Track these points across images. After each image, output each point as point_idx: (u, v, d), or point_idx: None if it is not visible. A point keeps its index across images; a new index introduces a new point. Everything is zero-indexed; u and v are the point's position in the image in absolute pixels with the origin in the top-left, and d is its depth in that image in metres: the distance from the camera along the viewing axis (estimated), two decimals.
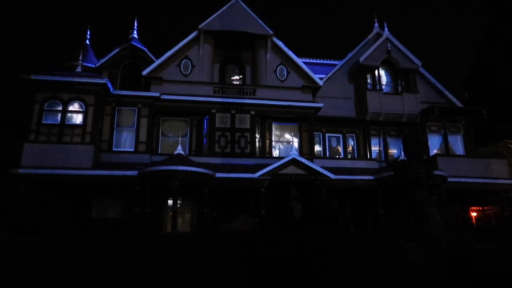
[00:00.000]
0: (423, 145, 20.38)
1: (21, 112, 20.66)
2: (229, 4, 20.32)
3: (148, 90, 19.12)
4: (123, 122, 18.38)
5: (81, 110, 17.01)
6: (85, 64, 19.81)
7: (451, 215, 18.93)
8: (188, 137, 19.36)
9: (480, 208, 22.54)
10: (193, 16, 77.15)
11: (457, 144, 20.95)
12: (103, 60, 20.12)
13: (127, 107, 18.51)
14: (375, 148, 21.16)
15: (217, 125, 18.86)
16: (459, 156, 20.12)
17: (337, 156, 20.99)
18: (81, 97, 17.06)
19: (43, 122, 16.56)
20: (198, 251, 9.44)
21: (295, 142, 19.63)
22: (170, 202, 16.60)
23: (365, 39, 23.08)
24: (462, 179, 18.41)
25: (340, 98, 21.51)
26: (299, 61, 20.71)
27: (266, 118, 19.95)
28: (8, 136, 20.40)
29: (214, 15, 19.92)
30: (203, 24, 19.76)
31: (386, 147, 21.23)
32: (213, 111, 18.98)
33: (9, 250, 9.10)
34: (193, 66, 19.83)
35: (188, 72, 19.71)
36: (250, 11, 20.31)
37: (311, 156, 19.06)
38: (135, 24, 21.96)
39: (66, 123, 16.74)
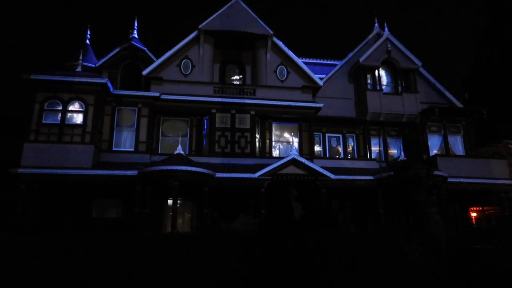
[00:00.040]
0: (423, 145, 20.39)
1: (21, 112, 20.67)
2: (229, 4, 20.32)
3: (148, 90, 19.13)
4: (123, 122, 18.38)
5: (81, 110, 17.01)
6: (85, 64, 19.82)
7: (451, 215, 18.92)
8: (188, 137, 19.36)
9: (480, 208, 22.53)
10: (193, 16, 77.17)
11: (457, 144, 20.95)
12: (103, 60, 20.13)
13: (127, 107, 18.52)
14: (375, 148, 21.17)
15: (217, 125, 18.86)
16: (459, 156, 20.12)
17: (337, 156, 20.99)
18: (81, 97, 17.06)
19: (43, 122, 16.56)
20: (198, 251, 9.44)
21: (295, 142, 19.64)
22: (170, 202, 16.60)
23: (365, 39, 23.09)
24: (462, 179, 18.42)
25: (340, 98, 21.51)
26: (299, 61, 20.72)
27: (266, 118, 19.95)
28: (8, 136, 20.40)
29: (214, 15, 19.93)
30: (203, 24, 19.76)
31: (386, 147, 21.23)
32: (213, 111, 18.99)
33: (9, 250, 9.10)
34: (193, 66, 19.83)
35: (188, 72, 19.71)
36: (250, 11, 20.31)
37: (311, 156, 19.06)
38: (135, 24, 21.97)
39: (66, 123, 16.74)
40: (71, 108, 17.01)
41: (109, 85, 17.64)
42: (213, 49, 20.49)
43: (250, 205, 17.34)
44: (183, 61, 19.83)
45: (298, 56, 21.42)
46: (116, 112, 18.40)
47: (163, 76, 19.28)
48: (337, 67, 22.10)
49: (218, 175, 16.37)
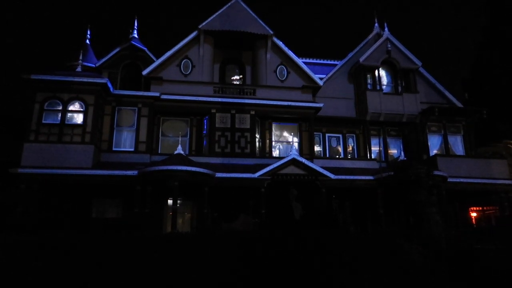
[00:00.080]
0: (423, 145, 20.39)
1: (21, 112, 20.65)
2: (229, 4, 20.32)
3: (148, 90, 19.13)
4: (123, 122, 18.38)
5: (81, 110, 17.01)
6: (85, 64, 19.81)
7: (451, 215, 18.91)
8: (188, 137, 19.36)
9: (480, 208, 22.53)
10: (193, 16, 77.18)
11: (457, 144, 20.95)
12: (103, 60, 20.13)
13: (127, 107, 18.52)
14: (375, 148, 21.17)
15: (217, 125, 18.86)
16: (459, 156, 20.12)
17: (337, 156, 20.99)
18: (81, 97, 17.06)
19: (43, 122, 16.56)
20: (198, 251, 9.44)
21: (295, 142, 19.64)
22: (170, 202, 16.60)
23: (365, 39, 23.09)
24: (462, 179, 18.43)
25: (340, 98, 21.52)
26: (299, 61, 20.72)
27: (266, 118, 19.95)
28: (8, 136, 20.38)
29: (214, 15, 19.93)
30: (203, 24, 19.76)
31: (386, 147, 21.24)
32: (213, 111, 18.99)
33: (9, 250, 9.10)
34: (193, 66, 19.83)
35: (188, 72, 19.71)
36: (250, 11, 20.31)
37: (311, 156, 19.07)
38: (135, 24, 21.97)
39: (66, 123, 16.74)
40: (71, 108, 17.01)
41: (109, 85, 17.64)
42: (213, 49, 20.49)
43: (250, 205, 17.33)
44: (183, 61, 19.83)
45: (298, 56, 21.42)
46: (116, 112, 18.40)
47: (163, 76, 19.28)
48: (337, 67, 22.10)
49: (218, 175, 16.37)
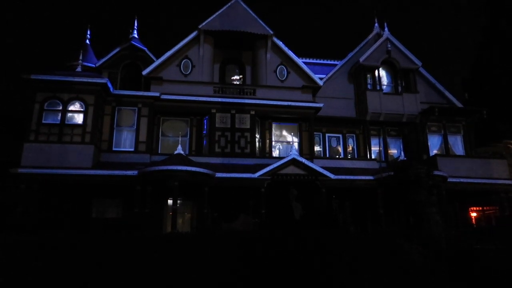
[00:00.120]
0: (423, 145, 20.39)
1: (21, 112, 20.63)
2: (229, 4, 20.32)
3: (148, 90, 19.13)
4: (123, 122, 18.38)
5: (81, 110, 17.01)
6: (85, 64, 19.81)
7: (451, 215, 18.91)
8: (188, 137, 19.36)
9: (480, 208, 22.53)
10: (193, 16, 77.14)
11: (457, 144, 20.95)
12: (103, 60, 20.13)
13: (127, 107, 18.52)
14: (375, 148, 21.17)
15: (217, 125, 18.86)
16: (459, 156, 20.13)
17: (337, 156, 20.99)
18: (81, 97, 17.06)
19: (43, 122, 16.56)
20: (198, 251, 9.44)
21: (295, 142, 19.64)
22: (170, 202, 16.60)
23: (365, 39, 23.10)
24: (462, 179, 18.43)
25: (340, 98, 21.52)
26: (299, 61, 20.72)
27: (266, 118, 19.95)
28: (8, 136, 20.37)
29: (214, 15, 19.93)
30: (203, 24, 19.76)
31: (386, 147, 21.24)
32: (213, 111, 18.98)
33: (9, 250, 9.10)
34: (193, 66, 19.83)
35: (188, 72, 19.71)
36: (250, 11, 20.31)
37: (311, 156, 19.07)
38: (135, 24, 21.97)
39: (66, 123, 16.74)
40: (71, 108, 17.02)
41: (109, 85, 17.64)
42: (213, 49, 20.49)
43: (250, 205, 17.34)
44: (183, 61, 19.84)
45: (298, 56, 21.42)
46: (116, 112, 18.40)
47: (163, 76, 19.28)
48: (337, 67, 22.11)
49: (218, 175, 16.37)
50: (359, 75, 21.53)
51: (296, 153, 17.44)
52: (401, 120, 20.97)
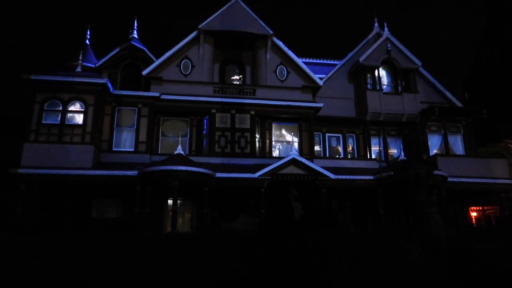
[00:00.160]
0: (423, 145, 20.38)
1: (21, 112, 20.64)
2: (229, 4, 20.32)
3: (148, 90, 19.12)
4: (123, 122, 18.37)
5: (81, 110, 17.01)
6: (85, 64, 19.79)
7: (451, 215, 18.91)
8: (188, 137, 19.36)
9: (480, 208, 22.53)
10: (193, 16, 77.14)
11: (457, 144, 20.95)
12: (103, 60, 20.12)
13: (127, 107, 18.51)
14: (375, 148, 21.17)
15: (217, 125, 18.86)
16: (459, 156, 20.12)
17: (337, 156, 20.99)
18: (81, 97, 17.06)
19: (43, 122, 16.55)
20: (198, 251, 9.44)
21: (295, 142, 19.63)
22: (170, 202, 16.60)
23: (365, 39, 23.09)
24: (462, 179, 18.42)
25: (340, 98, 21.51)
26: (299, 61, 20.72)
27: (266, 118, 19.95)
28: (8, 136, 20.38)
29: (214, 15, 19.92)
30: (203, 24, 19.76)
31: (386, 147, 21.23)
32: (213, 111, 18.98)
33: (9, 250, 9.10)
34: (193, 66, 19.83)
35: (188, 72, 19.71)
36: (250, 11, 20.31)
37: (311, 156, 19.06)
38: (135, 24, 21.96)
39: (66, 123, 16.74)
40: (71, 108, 17.01)
41: (109, 85, 17.64)
42: (213, 49, 20.49)
43: (250, 205, 17.33)
44: (183, 61, 19.83)
45: (298, 56, 21.42)
46: (116, 112, 18.40)
47: (163, 76, 19.28)
48: (337, 67, 22.10)
49: (218, 175, 16.37)
50: (359, 75, 21.53)
51: (296, 153, 17.43)
52: (401, 120, 20.97)
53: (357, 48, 22.69)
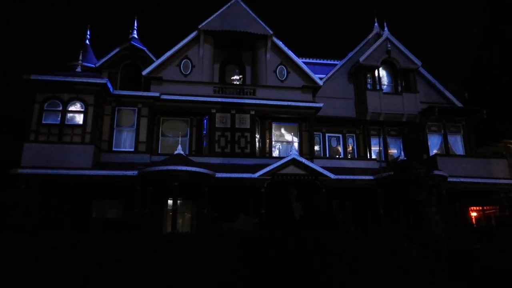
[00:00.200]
0: (423, 145, 20.38)
1: (21, 112, 20.64)
2: (229, 4, 20.32)
3: (148, 90, 19.13)
4: (123, 122, 18.37)
5: (81, 110, 17.01)
6: (85, 64, 19.80)
7: (451, 215, 18.92)
8: (188, 137, 19.36)
9: (480, 208, 22.53)
10: (193, 16, 77.17)
11: (457, 144, 20.94)
12: (103, 60, 20.13)
13: (127, 107, 18.52)
14: (375, 148, 21.17)
15: (217, 125, 18.86)
16: (459, 156, 20.12)
17: (337, 156, 20.99)
18: (81, 97, 17.06)
19: (43, 122, 16.55)
20: (198, 251, 9.44)
21: (295, 142, 19.62)
22: (170, 202, 16.60)
23: (365, 39, 23.09)
24: (462, 179, 18.42)
25: (340, 98, 21.51)
26: (299, 61, 20.72)
27: (266, 118, 19.95)
28: (8, 136, 20.38)
29: (214, 15, 19.92)
30: (203, 24, 19.76)
31: (386, 147, 21.23)
32: (213, 111, 18.98)
33: (9, 250, 9.10)
34: (193, 66, 19.83)
35: (188, 72, 19.71)
36: (250, 11, 20.31)
37: (311, 156, 19.06)
38: (135, 24, 21.97)
39: (66, 123, 16.74)
40: (71, 108, 17.01)
41: (109, 85, 17.64)
42: (213, 49, 20.49)
43: (250, 205, 17.34)
44: (183, 61, 19.84)
45: (298, 56, 21.42)
46: (116, 112, 18.40)
47: (163, 76, 19.28)
48: (337, 67, 22.10)
49: (218, 175, 16.37)
50: (359, 75, 21.53)
51: (296, 153, 17.43)
52: (401, 120, 20.97)
53: (357, 48, 22.69)
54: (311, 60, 24.82)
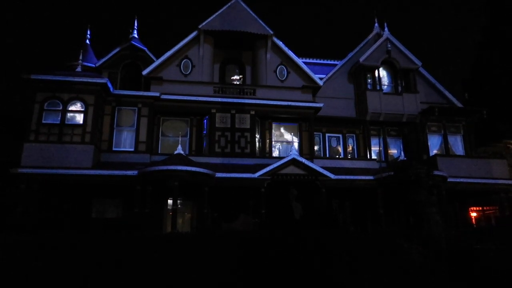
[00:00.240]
0: (423, 145, 20.38)
1: (21, 112, 20.66)
2: (229, 4, 20.31)
3: (148, 90, 19.12)
4: (123, 122, 18.37)
5: (81, 110, 17.00)
6: (85, 64, 19.80)
7: (451, 215, 18.92)
8: (188, 137, 19.35)
9: (480, 208, 22.54)
10: (193, 16, 77.18)
11: (457, 144, 20.94)
12: (103, 60, 20.13)
13: (127, 107, 18.51)
14: (375, 148, 21.17)
15: (217, 125, 18.86)
16: (459, 156, 20.12)
17: (337, 156, 20.98)
18: (81, 97, 17.05)
19: (43, 122, 16.55)
20: (198, 251, 9.44)
21: (295, 142, 19.62)
22: (170, 202, 16.60)
23: (365, 39, 23.08)
24: (462, 179, 18.43)
25: (340, 98, 21.51)
26: (299, 61, 20.72)
27: (266, 118, 19.95)
28: (8, 136, 20.38)
29: (214, 15, 19.92)
30: (203, 24, 19.76)
31: (386, 147, 21.23)
32: (213, 111, 18.98)
33: (9, 250, 9.10)
34: (193, 66, 19.83)
35: (188, 72, 19.71)
36: (250, 11, 20.31)
37: (311, 156, 19.06)
38: (135, 24, 21.96)
39: (66, 123, 16.73)
40: (71, 108, 17.01)
41: (109, 85, 17.64)
42: (213, 49, 20.49)
43: (250, 205, 17.34)
44: (183, 61, 19.83)
45: (298, 56, 21.42)
46: (116, 112, 18.39)
47: (163, 76, 19.28)
48: (337, 67, 22.10)
49: (218, 175, 16.36)
50: (359, 75, 21.53)
51: (296, 153, 17.43)
52: (401, 120, 20.96)
53: (357, 48, 22.68)
54: (311, 60, 24.82)
